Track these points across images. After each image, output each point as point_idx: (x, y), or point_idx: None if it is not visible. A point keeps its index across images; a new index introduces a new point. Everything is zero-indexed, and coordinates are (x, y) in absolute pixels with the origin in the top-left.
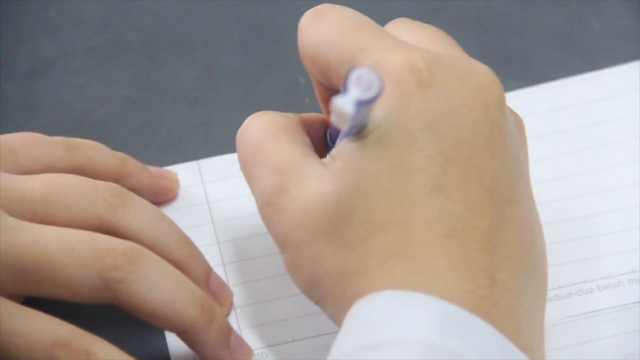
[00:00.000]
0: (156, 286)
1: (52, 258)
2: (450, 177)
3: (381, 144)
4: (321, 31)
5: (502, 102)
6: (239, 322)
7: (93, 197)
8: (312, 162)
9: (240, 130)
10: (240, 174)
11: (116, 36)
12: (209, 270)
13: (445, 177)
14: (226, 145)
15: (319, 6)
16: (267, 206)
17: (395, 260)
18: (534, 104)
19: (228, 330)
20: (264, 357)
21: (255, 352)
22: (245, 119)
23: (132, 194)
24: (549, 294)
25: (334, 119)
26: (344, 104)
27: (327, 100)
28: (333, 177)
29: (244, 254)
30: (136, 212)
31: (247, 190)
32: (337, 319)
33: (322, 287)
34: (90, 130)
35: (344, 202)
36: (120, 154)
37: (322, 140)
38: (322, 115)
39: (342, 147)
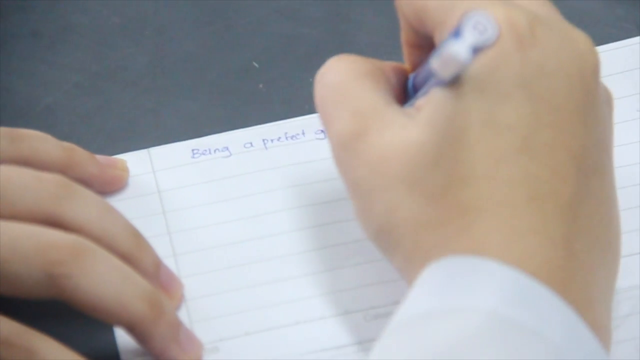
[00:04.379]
0: (102, 281)
1: None
2: (539, 139)
3: (474, 96)
4: None
5: (597, 72)
6: (190, 315)
7: (37, 189)
8: (395, 110)
9: (321, 70)
10: (192, 161)
11: (64, 20)
12: (158, 262)
13: (534, 138)
14: (178, 132)
15: None
16: (344, 150)
17: (475, 215)
18: None
19: (177, 324)
20: (215, 351)
21: (206, 346)
22: (198, 105)
23: (77, 185)
24: None
25: (437, 66)
26: (458, 50)
27: (412, 45)
28: (418, 125)
29: (196, 244)
30: (82, 205)
31: (200, 178)
32: (405, 271)
33: (394, 236)
34: (37, 117)
35: (428, 152)
36: (66, 144)
37: (401, 90)
38: (402, 65)
39: (431, 97)
